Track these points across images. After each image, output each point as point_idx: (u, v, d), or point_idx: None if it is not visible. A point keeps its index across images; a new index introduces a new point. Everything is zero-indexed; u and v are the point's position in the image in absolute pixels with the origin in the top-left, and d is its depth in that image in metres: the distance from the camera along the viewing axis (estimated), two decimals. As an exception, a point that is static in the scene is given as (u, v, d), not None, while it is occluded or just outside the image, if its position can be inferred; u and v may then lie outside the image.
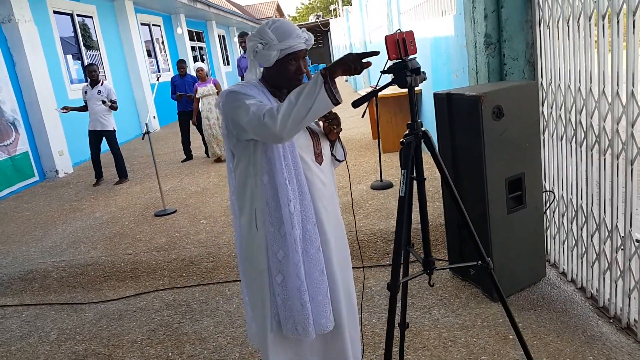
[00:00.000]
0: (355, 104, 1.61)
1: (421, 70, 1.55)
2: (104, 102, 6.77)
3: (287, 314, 1.81)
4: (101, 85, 6.88)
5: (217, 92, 7.65)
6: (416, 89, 1.64)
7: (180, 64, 8.21)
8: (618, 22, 2.29)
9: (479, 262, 1.72)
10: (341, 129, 1.78)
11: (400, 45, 1.52)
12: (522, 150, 2.89)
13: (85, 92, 6.88)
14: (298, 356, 1.93)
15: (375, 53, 1.53)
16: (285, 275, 1.78)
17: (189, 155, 8.21)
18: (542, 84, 3.10)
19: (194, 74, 8.33)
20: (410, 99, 1.62)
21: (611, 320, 2.63)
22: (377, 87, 1.66)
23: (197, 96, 7.61)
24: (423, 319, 2.90)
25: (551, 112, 3.02)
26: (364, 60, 1.53)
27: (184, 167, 7.76)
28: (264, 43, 1.69)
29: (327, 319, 1.81)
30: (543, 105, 3.10)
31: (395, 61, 1.57)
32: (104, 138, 7.02)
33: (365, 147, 7.28)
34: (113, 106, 6.89)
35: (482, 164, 2.78)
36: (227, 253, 4.09)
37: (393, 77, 1.56)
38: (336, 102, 1.53)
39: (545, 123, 3.11)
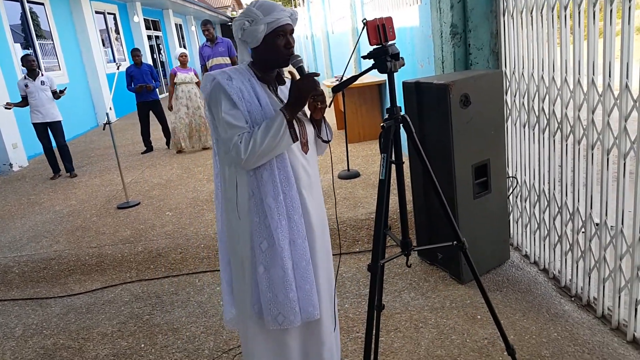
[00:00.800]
0: (335, 89, 1.64)
1: (400, 56, 1.58)
2: (55, 92, 6.59)
3: (269, 304, 1.81)
4: (42, 75, 6.68)
5: (197, 82, 7.52)
6: (381, 78, 1.68)
7: (135, 53, 7.93)
8: (579, 12, 2.39)
9: (455, 242, 1.78)
10: (326, 106, 1.78)
11: (381, 30, 1.55)
12: (487, 137, 2.99)
13: (26, 85, 6.56)
14: (278, 344, 1.94)
15: (316, 74, 1.64)
16: (267, 267, 1.79)
17: (149, 147, 8.03)
18: (505, 73, 3.20)
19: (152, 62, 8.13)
20: (389, 85, 1.66)
21: (572, 299, 2.77)
22: (358, 73, 1.69)
23: (175, 81, 7.43)
24: (394, 302, 2.97)
25: (514, 101, 3.13)
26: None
27: (144, 158, 7.60)
28: (250, 20, 1.71)
29: (314, 307, 1.83)
30: (507, 94, 3.20)
31: (375, 47, 1.60)
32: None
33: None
34: (59, 95, 6.70)
35: (449, 150, 2.86)
36: (196, 244, 4.05)
37: (373, 62, 1.59)
38: (297, 139, 1.68)
39: (508, 111, 3.22)
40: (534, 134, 2.95)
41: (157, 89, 8.07)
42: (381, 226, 1.62)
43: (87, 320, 3.21)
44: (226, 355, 2.66)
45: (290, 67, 1.77)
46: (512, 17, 3.03)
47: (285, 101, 1.81)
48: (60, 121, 6.79)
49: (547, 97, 2.74)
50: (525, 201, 3.18)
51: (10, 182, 7.08)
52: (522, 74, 2.98)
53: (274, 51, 1.75)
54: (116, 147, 5.65)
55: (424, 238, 3.37)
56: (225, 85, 1.69)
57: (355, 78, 1.64)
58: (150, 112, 7.93)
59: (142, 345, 2.86)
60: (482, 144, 2.98)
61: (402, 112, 1.65)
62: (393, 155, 1.68)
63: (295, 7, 30.21)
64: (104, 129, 5.43)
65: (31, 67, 6.58)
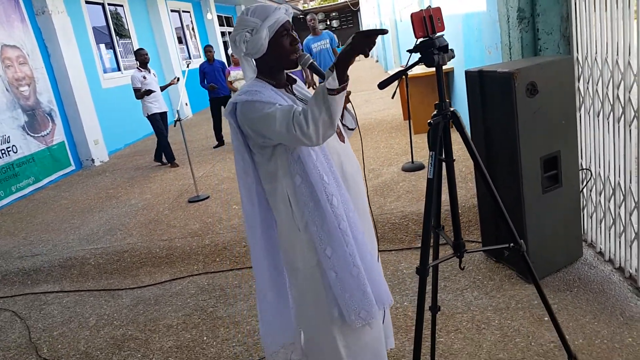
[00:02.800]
0: (382, 85, 1.58)
1: (449, 47, 1.50)
2: (172, 82, 7.20)
3: (349, 304, 1.77)
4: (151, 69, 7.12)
5: None
6: (447, 67, 1.60)
7: (208, 49, 8.20)
8: (660, -11, 2.17)
9: (511, 244, 1.68)
10: (350, 92, 1.69)
11: (427, 22, 1.47)
12: (557, 127, 2.79)
13: (144, 77, 6.92)
14: (372, 338, 1.89)
15: (384, 31, 1.48)
16: (337, 271, 1.75)
17: (220, 142, 8.27)
18: (577, 58, 2.98)
19: (225, 59, 8.38)
20: (437, 78, 1.58)
21: (652, 301, 2.54)
22: (405, 67, 1.62)
23: (229, 79, 7.63)
24: (456, 301, 2.86)
25: (587, 88, 2.90)
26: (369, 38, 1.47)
27: (216, 153, 7.84)
28: (250, 30, 1.64)
29: (386, 294, 1.82)
30: (579, 81, 2.98)
31: (422, 39, 1.53)
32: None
33: (396, 128, 7.19)
34: (165, 87, 7.24)
35: (516, 143, 2.70)
36: (259, 237, 4.12)
37: (420, 55, 1.52)
38: (345, 87, 1.53)
39: (581, 99, 3.00)
40: (608, 123, 2.73)
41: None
42: (429, 227, 1.56)
43: (155, 312, 3.36)
44: (284, 350, 2.68)
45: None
46: (585, -3, 2.81)
47: (305, 97, 1.77)
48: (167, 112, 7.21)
49: (622, 83, 2.51)
50: (600, 195, 2.95)
51: (91, 176, 7.55)
52: (596, 59, 2.75)
53: (282, 53, 1.68)
54: (187, 143, 5.86)
55: (490, 236, 3.22)
56: (253, 97, 1.63)
57: (401, 73, 1.57)
58: (222, 108, 8.16)
59: (205, 338, 2.95)
60: (552, 135, 2.79)
61: (452, 107, 1.56)
62: (443, 153, 1.60)
63: (363, -5, 29.91)
64: (174, 126, 5.65)
65: (144, 61, 6.97)
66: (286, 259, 1.90)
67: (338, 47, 7.62)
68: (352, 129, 1.93)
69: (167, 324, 3.18)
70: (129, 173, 7.33)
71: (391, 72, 7.48)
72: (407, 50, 1.56)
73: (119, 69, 10.36)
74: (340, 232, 1.70)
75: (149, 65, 7.18)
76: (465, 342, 2.49)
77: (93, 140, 8.25)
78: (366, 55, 1.51)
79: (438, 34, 1.51)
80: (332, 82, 1.49)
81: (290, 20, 1.71)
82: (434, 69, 1.54)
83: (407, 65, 1.61)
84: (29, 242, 4.92)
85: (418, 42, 1.53)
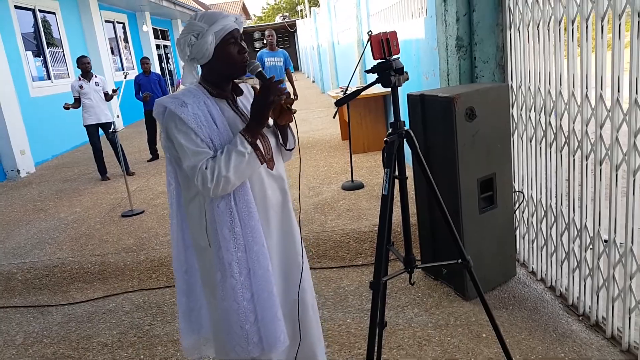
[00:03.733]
0: (339, 103, 1.62)
1: (404, 70, 1.56)
2: (107, 94, 6.81)
3: (226, 335, 1.77)
4: (95, 77, 6.84)
5: None
6: (384, 90, 1.66)
7: (144, 61, 8.00)
8: (587, 26, 2.37)
9: (459, 260, 1.75)
10: (295, 111, 1.71)
11: (385, 45, 1.53)
12: (493, 151, 2.96)
13: (81, 87, 6.69)
14: None
15: (279, 81, 1.61)
16: (222, 298, 1.73)
17: (154, 155, 8.05)
18: (512, 86, 3.18)
19: (159, 71, 8.19)
20: (393, 99, 1.63)
21: (580, 318, 2.71)
22: (361, 87, 1.67)
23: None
24: (397, 318, 2.92)
25: (521, 114, 3.10)
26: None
27: (150, 166, 7.61)
28: (196, 34, 1.62)
29: (276, 338, 1.75)
30: (513, 107, 3.17)
31: (379, 61, 1.58)
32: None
33: (335, 147, 7.30)
34: (111, 96, 6.88)
35: (455, 164, 2.83)
36: (199, 254, 4.03)
37: (377, 76, 1.57)
38: (264, 161, 1.62)
39: (515, 125, 3.19)
40: (540, 148, 2.92)
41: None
42: (384, 242, 1.59)
43: (88, 330, 3.19)
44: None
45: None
46: (519, 30, 3.01)
47: (247, 112, 1.74)
48: (112, 122, 6.83)
49: (553, 111, 2.70)
50: (532, 216, 3.14)
51: (17, 188, 7.10)
52: (529, 87, 2.95)
53: (228, 61, 1.65)
54: (119, 155, 5.65)
55: (428, 254, 3.33)
56: (181, 114, 1.59)
57: (358, 92, 1.62)
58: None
59: (142, 357, 2.83)
60: (488, 157, 2.95)
61: (406, 127, 1.62)
62: (396, 170, 1.65)
63: (302, 17, 30.43)
64: (109, 138, 5.45)
65: (86, 69, 6.73)
66: (199, 271, 1.91)
67: (291, 66, 7.68)
68: (291, 149, 1.90)
69: (101, 342, 3.03)
70: (57, 185, 6.96)
71: (331, 93, 7.64)
72: (366, 71, 1.60)
73: (49, 78, 9.87)
74: (234, 261, 1.68)
75: (94, 73, 6.95)
76: (408, 359, 2.54)
77: (19, 150, 7.77)
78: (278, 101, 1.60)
79: (394, 57, 1.58)
80: (242, 142, 1.58)
81: (241, 30, 1.69)
82: (371, 91, 1.59)
83: (365, 85, 1.65)
84: (-56, 257, 4.54)
85: (376, 64, 1.58)
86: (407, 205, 1.69)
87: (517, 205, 3.27)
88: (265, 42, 7.46)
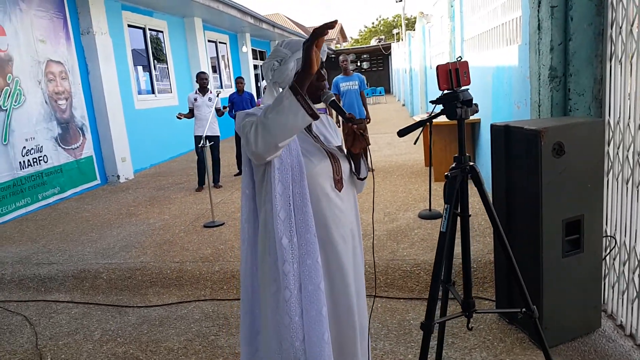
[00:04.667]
0: (401, 133, 1.57)
1: (473, 102, 1.48)
2: (218, 110, 7.30)
3: (275, 352, 1.75)
4: (210, 93, 7.36)
5: None
6: (474, 118, 1.58)
7: (239, 80, 8.38)
8: (696, 62, 2.13)
9: (523, 310, 1.61)
10: (369, 143, 1.68)
11: (453, 75, 1.47)
12: (582, 190, 2.73)
13: (195, 99, 7.28)
14: None
15: (331, 24, 1.44)
16: (273, 311, 1.72)
17: (241, 170, 8.33)
18: (609, 122, 2.93)
19: (254, 91, 8.52)
20: (459, 131, 1.56)
21: (672, 384, 2.41)
22: (427, 117, 1.61)
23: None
24: None
25: (617, 153, 2.84)
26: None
27: (236, 181, 7.89)
28: (279, 59, 1.69)
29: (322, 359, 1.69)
30: (609, 145, 2.92)
31: (446, 91, 1.52)
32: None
33: (416, 174, 7.15)
34: (222, 112, 7.42)
35: (538, 202, 2.65)
36: (270, 270, 4.08)
37: (443, 107, 1.51)
38: (312, 113, 1.49)
39: (610, 164, 2.93)
40: (637, 190, 2.65)
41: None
42: (438, 281, 1.51)
43: (158, 333, 3.33)
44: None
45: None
46: (621, 62, 2.78)
47: (319, 135, 1.76)
48: (218, 136, 7.41)
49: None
50: (624, 265, 2.85)
51: (115, 192, 7.66)
52: (628, 124, 2.70)
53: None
54: (208, 169, 5.91)
55: (504, 295, 3.12)
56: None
57: (423, 123, 1.56)
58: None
59: (203, 367, 2.89)
60: (577, 197, 2.73)
61: (471, 162, 1.54)
62: (459, 207, 1.57)
63: (398, 41, 30.44)
64: (200, 151, 5.72)
65: (203, 84, 7.35)
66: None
67: (367, 89, 7.66)
68: (363, 179, 1.88)
69: (168, 347, 3.14)
70: (151, 192, 7.42)
71: (417, 118, 7.52)
72: (431, 101, 1.55)
73: (153, 92, 10.62)
74: (291, 272, 1.66)
75: (211, 89, 7.50)
76: (469, 404, 2.38)
77: (121, 157, 8.41)
78: (314, 61, 1.49)
79: (463, 88, 1.51)
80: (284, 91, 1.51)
81: (324, 58, 1.71)
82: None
83: (430, 116, 1.59)
84: (47, 250, 4.97)
85: (442, 94, 1.52)
86: (468, 244, 1.59)
87: (607, 251, 2.99)
88: (341, 67, 7.52)
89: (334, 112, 7.90)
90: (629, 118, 2.70)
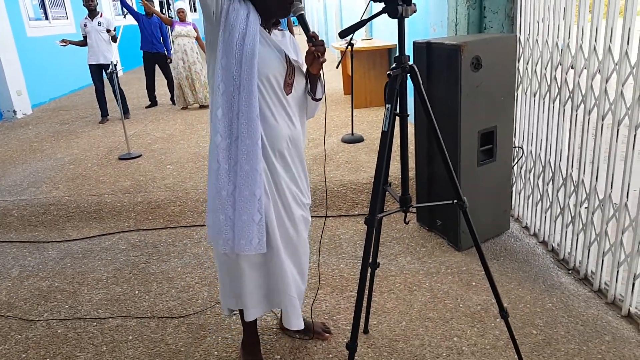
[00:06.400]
0: (342, 34, 1.57)
1: (412, 1, 1.51)
2: (108, 31, 6.72)
3: (211, 224, 1.83)
4: (100, 16, 6.75)
5: (196, 37, 7.41)
6: (389, 43, 1.60)
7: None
8: (602, -25, 2.29)
9: (455, 201, 1.75)
10: (325, 60, 1.71)
11: (392, -25, 1.48)
12: (496, 104, 2.92)
13: (85, 25, 6.69)
14: (234, 265, 1.88)
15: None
16: (211, 185, 1.78)
17: (153, 102, 7.95)
18: (519, 38, 3.11)
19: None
20: (399, 30, 1.59)
21: (570, 272, 2.75)
22: (368, 17, 1.62)
23: (173, 34, 7.32)
24: (390, 265, 2.95)
25: (527, 68, 3.05)
26: None
27: (148, 113, 7.55)
28: None
29: (247, 241, 1.73)
30: (519, 61, 3.12)
31: (386, -9, 1.53)
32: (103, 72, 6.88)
33: (337, 102, 7.22)
34: (115, 37, 6.79)
35: (457, 115, 2.80)
36: (195, 198, 4.04)
37: (384, 6, 1.53)
38: None
39: (520, 78, 3.14)
40: (544, 103, 2.88)
41: (164, 44, 7.88)
42: (380, 180, 1.58)
43: (83, 266, 3.22)
44: (219, 305, 2.66)
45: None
46: (531, -20, 2.92)
47: (279, 44, 1.75)
48: (110, 64, 6.76)
49: (560, 65, 2.66)
50: (530, 172, 3.13)
51: (13, 128, 7.05)
52: (537, 40, 2.88)
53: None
54: (118, 98, 5.59)
55: (423, 197, 3.33)
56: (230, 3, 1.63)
57: (363, 23, 1.57)
58: (156, 66, 7.82)
59: (137, 292, 2.87)
60: (491, 110, 2.91)
61: (410, 62, 1.59)
62: (397, 108, 1.63)
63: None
64: (108, 77, 5.37)
65: (89, 7, 6.69)
66: None
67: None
68: (319, 99, 1.91)
69: (96, 277, 3.06)
70: (54, 127, 6.92)
71: (335, 45, 7.49)
72: (373, 0, 1.56)
73: (47, 18, 9.65)
74: (224, 147, 1.70)
75: (100, 11, 6.87)
76: (398, 302, 2.58)
77: (16, 90, 7.67)
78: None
79: (402, -13, 1.52)
80: None
81: None
82: (376, 44, 1.54)
83: (371, 15, 1.61)
84: (-60, 191, 4.55)
85: (383, -7, 1.53)
86: (406, 143, 1.67)
87: (516, 160, 3.26)
88: None
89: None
90: (537, 34, 2.88)
